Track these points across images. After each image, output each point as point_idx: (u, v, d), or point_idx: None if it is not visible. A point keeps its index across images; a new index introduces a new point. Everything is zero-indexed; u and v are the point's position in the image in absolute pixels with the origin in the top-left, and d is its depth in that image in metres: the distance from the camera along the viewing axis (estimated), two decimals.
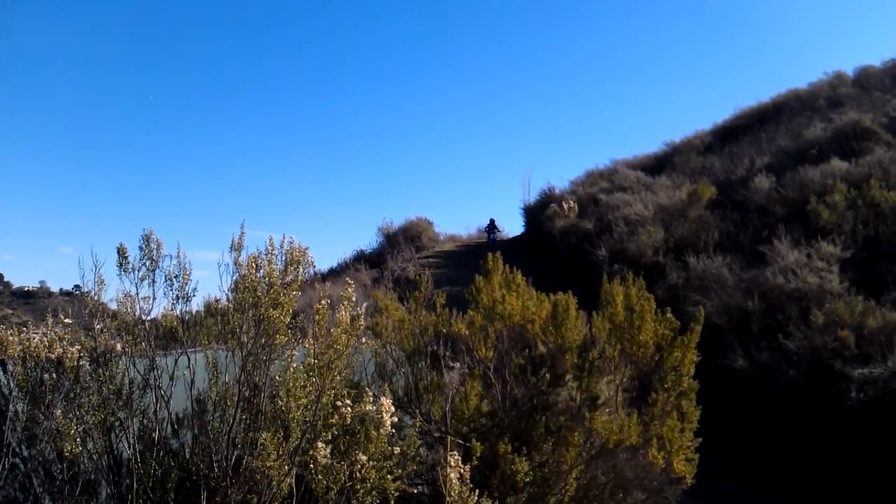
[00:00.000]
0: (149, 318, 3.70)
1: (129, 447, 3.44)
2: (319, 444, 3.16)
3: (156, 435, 3.52)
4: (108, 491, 3.54)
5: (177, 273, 3.67)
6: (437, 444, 4.68)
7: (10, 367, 3.60)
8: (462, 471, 3.29)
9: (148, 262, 3.61)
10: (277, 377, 3.44)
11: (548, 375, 4.92)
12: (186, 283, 3.71)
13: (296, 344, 3.57)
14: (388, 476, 3.25)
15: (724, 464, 7.25)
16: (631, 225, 14.49)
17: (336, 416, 3.34)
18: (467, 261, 16.98)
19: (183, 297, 3.72)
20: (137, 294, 3.63)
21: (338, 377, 3.48)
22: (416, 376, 4.96)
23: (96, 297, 3.62)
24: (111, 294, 3.69)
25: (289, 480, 3.28)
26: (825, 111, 16.96)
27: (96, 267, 3.52)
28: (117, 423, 3.52)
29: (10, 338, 3.86)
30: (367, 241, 26.17)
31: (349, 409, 3.35)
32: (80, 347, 3.64)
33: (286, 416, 3.27)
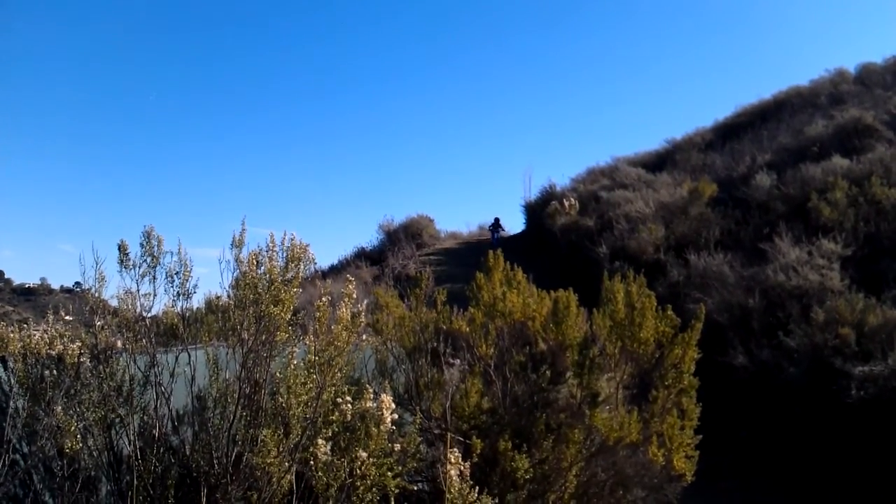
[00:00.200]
0: (149, 314, 3.70)
1: (129, 444, 3.44)
2: (320, 441, 3.16)
3: (156, 432, 3.52)
4: (109, 487, 3.55)
5: (178, 270, 3.68)
6: (437, 441, 4.68)
7: (10, 364, 3.60)
8: (462, 468, 3.28)
9: (149, 259, 3.60)
10: (278, 374, 3.44)
11: (548, 372, 4.92)
12: (187, 280, 3.71)
13: (296, 341, 3.57)
14: (389, 473, 3.24)
15: (724, 461, 7.25)
16: (632, 222, 14.49)
17: (336, 413, 3.34)
18: (468, 258, 16.97)
19: (184, 294, 3.72)
20: (138, 291, 3.63)
21: (338, 374, 3.48)
22: (417, 373, 4.96)
23: (97, 294, 3.62)
24: (112, 291, 3.69)
25: (289, 477, 3.28)
26: (827, 108, 16.94)
27: (97, 263, 3.52)
28: (118, 420, 3.52)
29: (11, 334, 3.87)
30: (368, 238, 26.15)
31: (350, 405, 3.35)
32: (80, 344, 3.64)
33: (287, 412, 3.27)
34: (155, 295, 3.65)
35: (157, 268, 3.62)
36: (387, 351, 5.11)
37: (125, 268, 3.57)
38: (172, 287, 3.68)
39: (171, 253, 3.65)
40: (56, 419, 3.28)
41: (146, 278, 3.61)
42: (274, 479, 3.24)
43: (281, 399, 3.30)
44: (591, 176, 21.41)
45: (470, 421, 4.62)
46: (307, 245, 3.66)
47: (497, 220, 23.13)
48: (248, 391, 3.49)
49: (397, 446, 3.37)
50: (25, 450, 3.43)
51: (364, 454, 3.17)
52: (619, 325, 4.87)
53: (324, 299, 3.53)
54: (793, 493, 6.99)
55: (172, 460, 3.55)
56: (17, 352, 3.62)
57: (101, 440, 3.50)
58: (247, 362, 3.47)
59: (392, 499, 3.27)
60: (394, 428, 3.39)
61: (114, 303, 3.75)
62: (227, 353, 3.59)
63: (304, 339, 3.61)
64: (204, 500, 3.29)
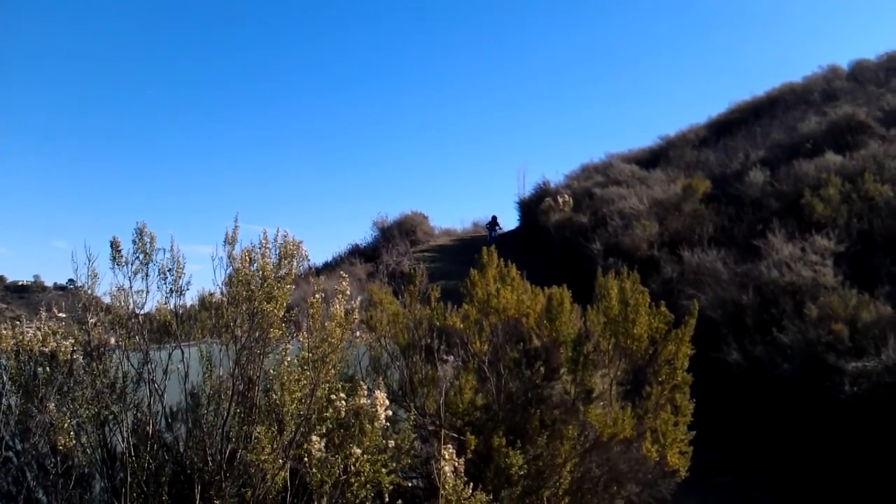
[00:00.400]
0: (142, 311, 3.69)
1: (123, 441, 3.43)
2: (314, 438, 3.16)
3: (150, 429, 3.51)
4: (102, 485, 3.54)
5: (170, 266, 3.66)
6: (431, 438, 4.69)
7: (3, 361, 3.59)
8: (456, 464, 3.29)
9: (141, 256, 3.59)
10: (271, 371, 3.44)
11: (542, 369, 4.93)
12: (180, 277, 3.69)
13: (290, 337, 3.56)
14: (383, 469, 3.24)
15: (718, 457, 7.27)
16: (626, 219, 14.51)
17: (330, 410, 3.34)
18: (463, 255, 16.99)
19: (176, 291, 3.71)
20: (131, 288, 3.62)
21: (332, 371, 3.47)
22: (411, 370, 4.96)
23: (90, 291, 3.60)
24: (105, 288, 3.68)
25: (283, 474, 3.28)
26: (820, 105, 17.00)
27: (89, 261, 3.51)
28: (111, 417, 3.51)
29: (4, 332, 3.85)
30: (363, 235, 26.16)
31: (344, 402, 3.34)
32: (73, 341, 3.63)
33: (280, 409, 3.27)
34: (147, 292, 3.64)
35: (150, 265, 3.61)
36: (381, 348, 5.11)
37: (117, 265, 3.56)
38: (165, 284, 3.67)
39: (164, 250, 3.64)
40: (49, 416, 3.27)
41: (139, 275, 3.60)
42: (268, 476, 3.24)
43: (275, 396, 3.30)
44: (585, 172, 21.44)
45: (464, 417, 4.62)
46: (300, 242, 3.66)
47: (494, 218, 23.15)
48: (241, 388, 3.48)
49: (391, 443, 3.37)
50: (18, 447, 3.42)
51: (358, 451, 3.16)
52: (612, 322, 4.88)
53: (317, 296, 3.53)
54: (787, 488, 7.02)
55: (166, 457, 3.55)
56: (9, 349, 3.60)
57: (94, 437, 3.49)
58: (240, 359, 3.47)
59: (386, 495, 3.27)
60: (388, 424, 3.39)
61: (107, 300, 3.74)
62: (221, 351, 3.59)
63: (297, 335, 3.60)
64: (198, 496, 3.29)
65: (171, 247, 3.66)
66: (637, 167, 18.94)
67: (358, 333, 4.50)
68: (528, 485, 4.44)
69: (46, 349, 3.61)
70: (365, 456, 3.17)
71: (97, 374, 3.49)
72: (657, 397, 4.69)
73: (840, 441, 6.88)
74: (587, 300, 5.25)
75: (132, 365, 3.61)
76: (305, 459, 3.15)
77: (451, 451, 3.21)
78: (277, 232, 3.62)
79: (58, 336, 3.73)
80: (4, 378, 3.54)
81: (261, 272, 3.49)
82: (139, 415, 3.57)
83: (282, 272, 3.58)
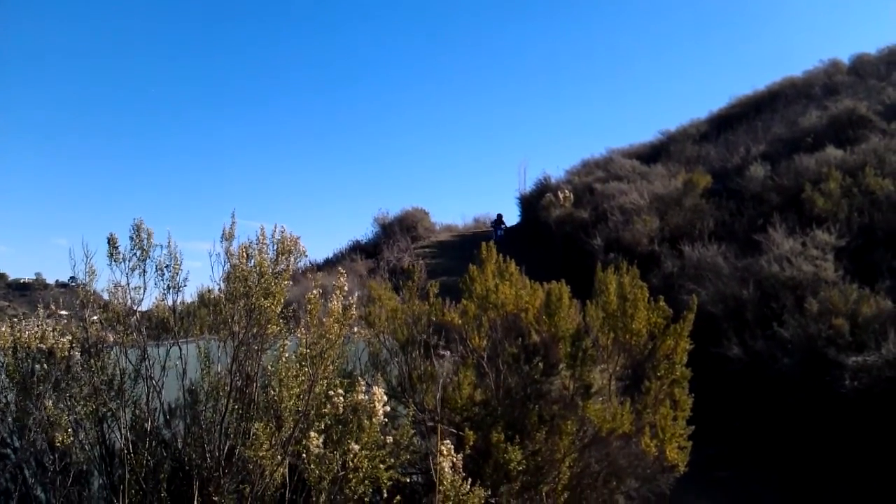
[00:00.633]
0: (139, 308, 3.69)
1: (121, 437, 3.44)
2: (312, 434, 3.16)
3: (148, 425, 3.51)
4: (101, 481, 3.55)
5: (167, 263, 3.66)
6: (430, 434, 4.69)
7: (1, 358, 3.59)
8: (455, 460, 3.29)
9: (138, 253, 3.59)
10: (269, 367, 3.44)
11: (541, 364, 4.92)
12: (177, 273, 3.69)
13: (288, 333, 3.56)
14: (381, 465, 3.25)
15: (718, 452, 7.27)
16: (626, 214, 14.48)
17: (329, 406, 3.34)
18: (463, 251, 16.94)
19: (174, 287, 3.71)
20: (128, 284, 3.62)
21: (330, 367, 3.47)
22: (410, 366, 4.96)
23: (88, 288, 3.60)
24: (103, 284, 3.68)
25: (281, 470, 3.28)
26: (821, 99, 16.95)
27: (87, 257, 3.51)
28: (109, 414, 3.51)
29: (2, 329, 3.85)
30: (364, 231, 26.13)
31: (342, 398, 3.35)
32: (71, 338, 3.63)
33: (278, 405, 3.27)
34: (145, 288, 3.64)
35: (147, 261, 3.60)
36: (379, 343, 5.11)
37: (115, 261, 3.56)
38: (163, 280, 3.67)
39: (161, 246, 3.64)
40: (46, 413, 3.27)
41: (136, 272, 3.60)
42: (266, 472, 3.24)
43: (273, 392, 3.30)
44: (586, 168, 21.40)
45: (463, 413, 4.62)
46: (297, 237, 3.65)
47: (500, 216, 23.12)
48: (239, 384, 3.48)
49: (390, 438, 3.38)
50: (16, 444, 3.42)
51: (356, 447, 3.17)
52: (611, 317, 4.88)
53: (315, 292, 3.52)
54: (787, 483, 7.01)
55: (164, 454, 3.55)
56: (7, 346, 3.60)
57: (92, 434, 3.50)
58: (238, 355, 3.47)
59: (385, 491, 3.28)
60: (386, 420, 3.39)
61: (106, 296, 3.74)
62: (219, 347, 3.59)
63: (295, 331, 3.60)
64: (196, 493, 3.29)
65: (169, 243, 3.66)
66: (638, 162, 18.90)
67: (356, 329, 4.50)
68: (526, 480, 4.44)
69: (44, 346, 3.62)
70: (363, 452, 3.18)
71: (95, 371, 3.48)
72: (656, 392, 4.69)
73: (840, 436, 6.87)
74: (588, 295, 5.24)
75: (130, 361, 3.61)
76: (304, 455, 3.16)
77: (449, 446, 3.22)
78: (275, 228, 3.62)
79: (55, 333, 3.73)
80: (2, 375, 3.54)
81: (258, 268, 3.49)
82: (137, 411, 3.57)
83: (279, 268, 3.58)
